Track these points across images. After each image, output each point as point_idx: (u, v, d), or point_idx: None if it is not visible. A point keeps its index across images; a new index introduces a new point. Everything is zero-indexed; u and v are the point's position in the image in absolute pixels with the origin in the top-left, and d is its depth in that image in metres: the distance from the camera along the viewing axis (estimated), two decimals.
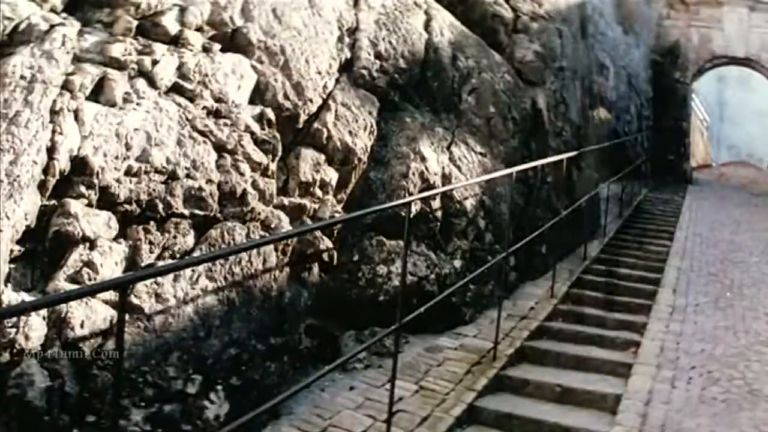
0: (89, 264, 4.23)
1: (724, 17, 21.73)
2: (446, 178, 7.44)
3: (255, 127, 5.54)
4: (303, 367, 5.64)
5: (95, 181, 4.30)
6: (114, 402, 3.01)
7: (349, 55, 6.90)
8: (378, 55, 7.24)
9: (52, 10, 4.38)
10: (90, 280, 4.19)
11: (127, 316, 3.94)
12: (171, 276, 4.55)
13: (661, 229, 13.08)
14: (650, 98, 21.58)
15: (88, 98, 4.38)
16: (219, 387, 4.70)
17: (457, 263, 7.38)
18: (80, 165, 4.24)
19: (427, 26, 8.26)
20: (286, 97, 5.93)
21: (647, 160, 19.00)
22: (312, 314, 5.97)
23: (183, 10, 5.16)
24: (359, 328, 6.37)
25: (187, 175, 4.88)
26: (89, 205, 4.30)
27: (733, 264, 10.70)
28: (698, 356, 6.83)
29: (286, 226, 5.60)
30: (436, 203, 7.24)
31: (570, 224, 10.24)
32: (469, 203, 7.73)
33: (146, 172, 4.61)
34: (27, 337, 3.87)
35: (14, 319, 3.77)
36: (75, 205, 4.20)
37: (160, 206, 4.68)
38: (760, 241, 12.50)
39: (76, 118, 4.24)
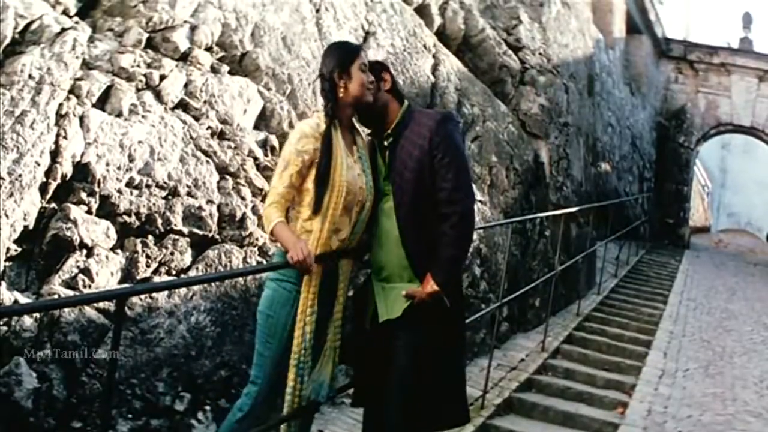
0: (85, 271, 4.17)
1: (732, 85, 21.93)
2: None
3: (258, 152, 5.51)
4: None
5: (97, 189, 4.26)
6: (104, 411, 2.95)
7: None
8: None
9: (65, 12, 4.36)
10: (85, 287, 4.14)
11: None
12: (166, 292, 4.51)
13: (656, 292, 13.04)
14: (653, 160, 21.71)
15: (94, 105, 4.35)
16: (207, 407, 4.63)
17: None
18: (83, 171, 4.20)
19: (434, 70, 8.28)
20: (291, 126, 5.91)
21: (646, 222, 19.05)
22: None
23: (194, 29, 5.16)
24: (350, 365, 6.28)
25: (188, 193, 4.84)
26: (89, 212, 4.25)
27: (726, 332, 10.63)
28: (685, 422, 6.73)
29: None
30: None
31: (565, 279, 10.22)
32: None
33: (147, 186, 4.57)
34: (18, 337, 3.83)
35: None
36: (75, 211, 4.15)
37: (160, 221, 4.63)
38: (755, 311, 12.46)
39: (82, 124, 4.20)
